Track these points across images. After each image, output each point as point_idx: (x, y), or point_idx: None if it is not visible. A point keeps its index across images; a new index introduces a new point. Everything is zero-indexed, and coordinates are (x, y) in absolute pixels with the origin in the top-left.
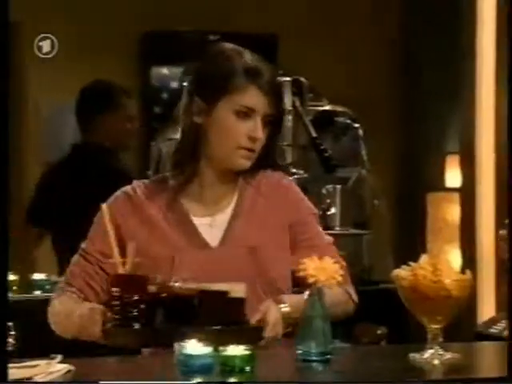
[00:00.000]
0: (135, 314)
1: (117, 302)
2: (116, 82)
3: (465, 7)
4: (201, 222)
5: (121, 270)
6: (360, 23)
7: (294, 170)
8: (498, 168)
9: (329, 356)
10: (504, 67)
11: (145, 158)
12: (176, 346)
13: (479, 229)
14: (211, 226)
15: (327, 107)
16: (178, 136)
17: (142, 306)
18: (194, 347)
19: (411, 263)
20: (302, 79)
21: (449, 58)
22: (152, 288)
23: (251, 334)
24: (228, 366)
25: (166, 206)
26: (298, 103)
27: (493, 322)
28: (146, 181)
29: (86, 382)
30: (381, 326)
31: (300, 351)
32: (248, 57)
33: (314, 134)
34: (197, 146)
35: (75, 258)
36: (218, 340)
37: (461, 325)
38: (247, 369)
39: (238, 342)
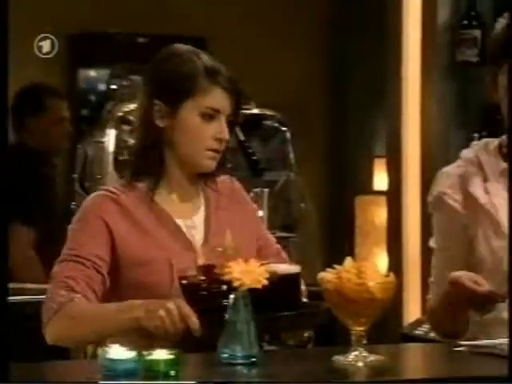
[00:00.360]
0: (225, 304)
1: (204, 293)
2: (46, 83)
3: (391, 10)
4: (183, 224)
5: (205, 261)
6: (288, 28)
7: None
8: (423, 171)
9: (254, 359)
10: (430, 71)
11: (72, 161)
12: (99, 350)
13: (405, 232)
14: (192, 228)
15: (255, 110)
16: (133, 140)
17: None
18: (117, 351)
19: (336, 266)
20: None
21: (376, 62)
22: None
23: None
24: (152, 371)
25: (149, 210)
26: None
27: (418, 323)
28: (117, 185)
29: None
30: (308, 329)
31: (225, 355)
32: (205, 57)
33: (242, 138)
34: (161, 149)
35: (65, 264)
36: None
37: (387, 327)
38: (172, 373)
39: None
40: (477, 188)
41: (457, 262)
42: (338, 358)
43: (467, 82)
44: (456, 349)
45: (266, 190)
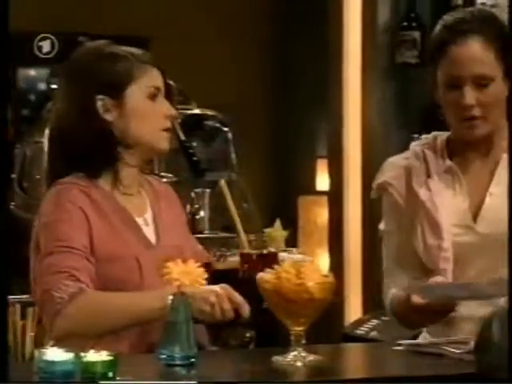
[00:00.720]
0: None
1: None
2: None
3: (331, 11)
4: (140, 222)
5: (248, 249)
6: (229, 28)
7: (163, 174)
8: (364, 172)
9: (193, 360)
10: (370, 72)
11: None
12: (36, 352)
13: (346, 232)
14: (145, 225)
15: (196, 111)
16: (81, 140)
17: None
18: (54, 353)
19: (275, 266)
20: (170, 82)
21: (317, 63)
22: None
23: None
24: (89, 372)
25: (112, 205)
26: None
27: (359, 323)
28: (80, 180)
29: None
30: (249, 330)
31: (163, 356)
32: (119, 47)
33: (183, 138)
34: (113, 144)
35: (60, 255)
36: None
37: (328, 327)
38: (109, 374)
39: None
40: (419, 184)
41: (406, 246)
42: (277, 359)
43: (407, 83)
44: (395, 348)
45: (207, 190)
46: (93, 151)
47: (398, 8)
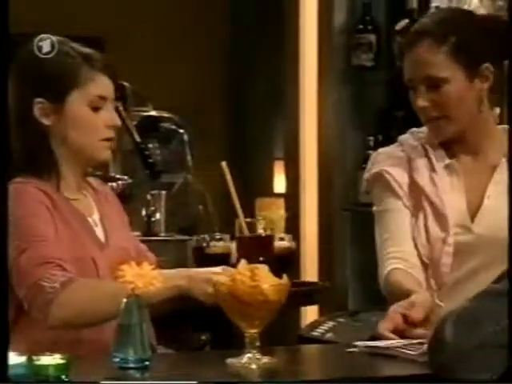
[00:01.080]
0: None
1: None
2: None
3: (288, 13)
4: (91, 223)
5: (246, 232)
6: (185, 28)
7: (118, 176)
8: (320, 173)
9: (147, 363)
10: (327, 74)
11: None
12: None
13: (303, 233)
14: (96, 227)
15: (152, 112)
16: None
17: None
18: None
19: (230, 269)
20: (125, 83)
21: (274, 65)
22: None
23: None
24: (42, 376)
25: (67, 206)
26: (121, 107)
27: (315, 325)
28: (32, 179)
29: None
30: (205, 332)
31: (117, 359)
32: (75, 44)
33: (138, 139)
34: (51, 147)
35: (39, 248)
36: None
37: (284, 329)
38: (63, 377)
39: None
40: (423, 178)
41: (406, 220)
42: (232, 361)
43: (363, 85)
44: (350, 350)
45: (163, 192)
46: (33, 154)
47: (354, 11)
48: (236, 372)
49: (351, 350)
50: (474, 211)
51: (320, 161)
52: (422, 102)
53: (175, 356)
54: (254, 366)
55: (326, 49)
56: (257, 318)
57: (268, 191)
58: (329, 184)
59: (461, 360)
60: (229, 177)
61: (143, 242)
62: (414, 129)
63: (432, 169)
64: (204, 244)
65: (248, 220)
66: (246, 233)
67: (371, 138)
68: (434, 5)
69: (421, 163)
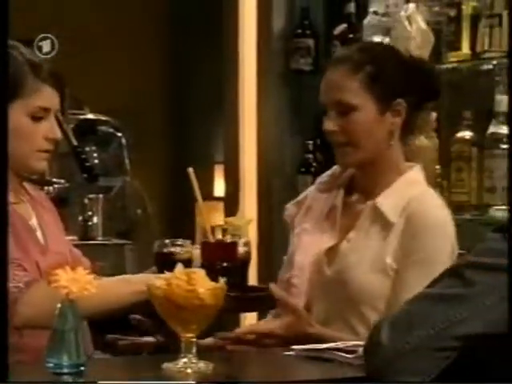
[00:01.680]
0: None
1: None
2: None
3: (227, 17)
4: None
5: (211, 238)
6: (123, 31)
7: (55, 180)
8: (260, 177)
9: (82, 368)
10: (266, 78)
11: None
12: None
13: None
14: (36, 231)
15: (89, 116)
16: None
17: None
18: None
19: (167, 273)
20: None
21: (214, 68)
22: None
23: None
24: None
25: (11, 209)
26: (58, 112)
27: None
28: None
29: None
30: (143, 336)
31: (51, 364)
32: (26, 51)
33: (75, 143)
34: None
35: None
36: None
37: (224, 332)
38: None
39: None
40: (301, 218)
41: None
42: (168, 365)
43: (301, 89)
44: (287, 353)
45: (100, 196)
46: None
47: (293, 15)
48: (171, 377)
49: (288, 353)
50: (334, 252)
51: (259, 164)
52: (330, 126)
53: (111, 361)
54: (189, 371)
55: (264, 53)
56: (193, 323)
57: (208, 195)
58: (268, 187)
59: (395, 363)
60: (195, 183)
61: (80, 246)
62: (337, 166)
63: (310, 209)
64: (166, 249)
65: (213, 225)
66: (211, 238)
67: (310, 142)
68: (371, 9)
69: (317, 205)
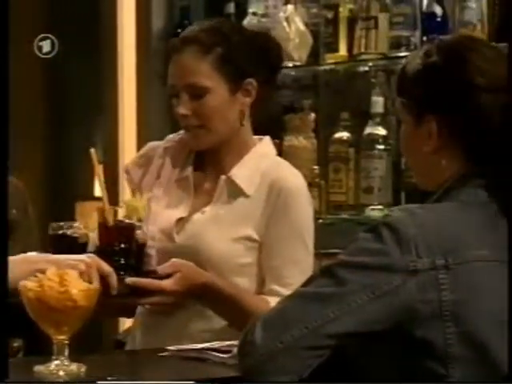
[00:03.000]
0: (122, 262)
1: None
2: None
3: (105, 16)
4: None
5: (110, 220)
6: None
7: None
8: None
9: None
10: (146, 79)
11: None
12: None
13: None
14: None
15: None
16: None
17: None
18: None
19: (38, 274)
20: None
21: (93, 69)
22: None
23: None
24: None
25: None
26: None
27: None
28: None
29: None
30: (17, 339)
31: None
32: None
33: None
34: None
35: None
36: None
37: (101, 334)
38: None
39: None
40: (148, 183)
41: None
42: (39, 368)
43: None
44: (162, 354)
45: None
46: None
47: (172, 16)
48: (43, 379)
49: (163, 354)
50: (184, 222)
51: None
52: (183, 110)
53: None
54: (61, 373)
55: (144, 53)
56: (65, 325)
57: (88, 195)
58: None
59: (268, 362)
60: (97, 163)
61: None
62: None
63: (159, 176)
64: (61, 231)
65: (111, 208)
66: (110, 220)
67: None
68: (251, 10)
69: (155, 168)
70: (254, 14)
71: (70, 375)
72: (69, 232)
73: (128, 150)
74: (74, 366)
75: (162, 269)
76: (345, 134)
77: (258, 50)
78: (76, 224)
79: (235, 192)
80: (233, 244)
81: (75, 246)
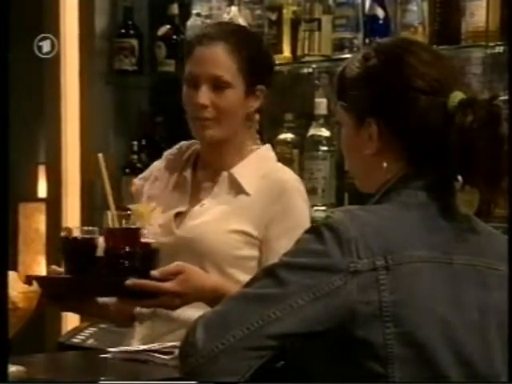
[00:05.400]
0: (126, 265)
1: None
2: None
3: (47, 17)
4: None
5: (116, 224)
6: None
7: None
8: (83, 178)
9: None
10: (89, 78)
11: None
12: None
13: None
14: None
15: None
16: None
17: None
18: None
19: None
20: None
21: (35, 68)
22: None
23: None
24: None
25: None
26: None
27: (76, 331)
28: None
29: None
30: None
31: None
32: None
33: None
34: None
35: None
36: None
37: (43, 336)
38: None
39: None
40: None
41: None
42: None
43: (125, 89)
44: (104, 355)
45: None
46: None
47: (116, 15)
48: None
49: (105, 355)
50: (184, 217)
51: (82, 165)
52: (203, 100)
53: None
54: None
55: (87, 52)
56: None
57: (31, 196)
58: (91, 188)
59: (209, 364)
60: (104, 169)
61: None
62: (184, 142)
63: (168, 180)
64: (73, 235)
65: (118, 213)
66: (116, 225)
67: (135, 142)
68: (194, 11)
69: (164, 174)
70: (198, 15)
71: (11, 377)
72: (80, 236)
73: (71, 149)
74: (13, 369)
75: (165, 270)
76: (289, 136)
77: (268, 57)
78: (86, 228)
79: (235, 189)
80: (228, 235)
81: (85, 249)
